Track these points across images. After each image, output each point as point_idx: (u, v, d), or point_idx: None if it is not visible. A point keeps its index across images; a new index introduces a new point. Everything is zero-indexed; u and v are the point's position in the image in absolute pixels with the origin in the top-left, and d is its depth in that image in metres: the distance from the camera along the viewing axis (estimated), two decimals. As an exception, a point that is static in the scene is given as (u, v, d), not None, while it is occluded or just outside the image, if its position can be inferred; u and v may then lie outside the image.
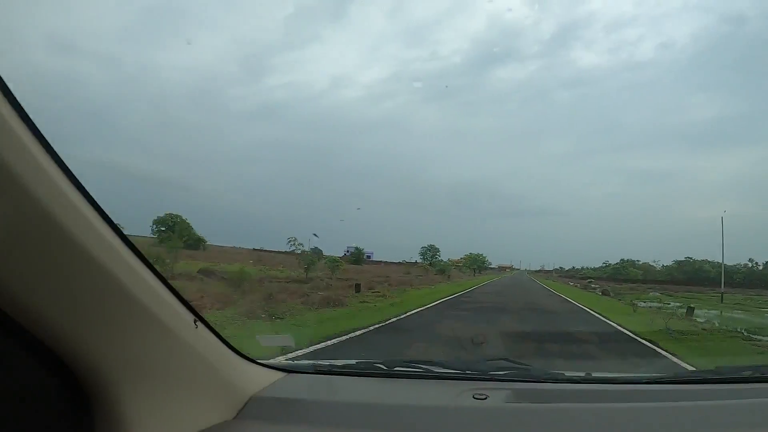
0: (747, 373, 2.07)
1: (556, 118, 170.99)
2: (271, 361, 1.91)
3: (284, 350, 3.76)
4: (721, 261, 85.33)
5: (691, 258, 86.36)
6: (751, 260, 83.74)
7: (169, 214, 38.10)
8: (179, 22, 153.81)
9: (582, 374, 2.07)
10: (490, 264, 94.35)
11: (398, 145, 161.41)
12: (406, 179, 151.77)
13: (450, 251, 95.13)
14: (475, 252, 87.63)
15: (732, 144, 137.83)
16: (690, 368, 6.75)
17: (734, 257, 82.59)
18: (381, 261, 63.53)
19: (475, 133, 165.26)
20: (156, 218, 37.64)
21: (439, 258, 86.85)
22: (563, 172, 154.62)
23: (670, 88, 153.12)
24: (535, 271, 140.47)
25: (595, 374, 2.16)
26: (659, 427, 1.50)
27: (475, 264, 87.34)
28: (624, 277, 73.07)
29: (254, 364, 1.71)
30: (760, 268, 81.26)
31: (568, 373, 2.07)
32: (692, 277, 76.40)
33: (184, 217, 38.25)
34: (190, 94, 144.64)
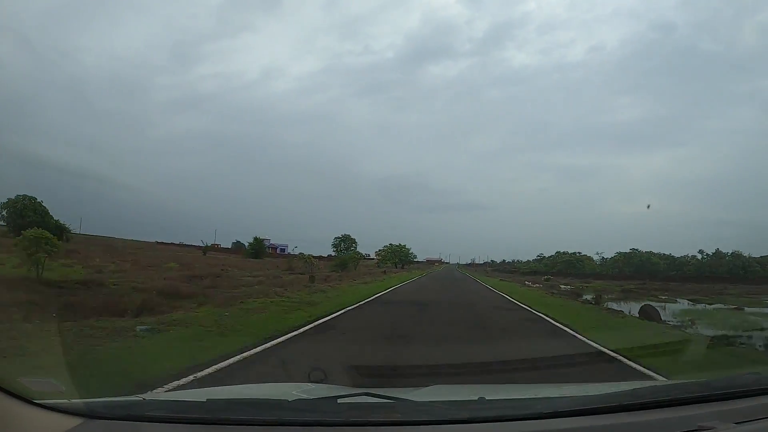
0: (672, 394, 1.82)
1: (486, 116, 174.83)
2: (63, 403, 1.51)
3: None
4: (668, 253, 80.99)
5: (636, 249, 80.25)
6: (701, 251, 78.95)
7: (22, 195, 33.81)
8: (107, 4, 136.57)
9: (474, 399, 1.85)
10: (415, 257, 78.54)
11: (329, 138, 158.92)
12: (335, 173, 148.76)
13: (379, 244, 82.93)
14: (396, 243, 70.44)
15: (655, 144, 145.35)
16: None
17: (659, 250, 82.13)
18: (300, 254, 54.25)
19: (405, 127, 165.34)
20: (5, 201, 33.68)
21: (355, 249, 72.33)
22: (492, 167, 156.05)
23: (599, 89, 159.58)
24: (466, 265, 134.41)
25: (490, 397, 1.93)
26: None
27: (397, 257, 70.25)
28: (578, 271, 63.46)
29: (35, 408, 1.42)
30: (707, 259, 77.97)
31: (455, 399, 1.97)
32: (639, 270, 70.41)
33: (38, 200, 34.15)
34: (115, 82, 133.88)
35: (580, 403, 1.75)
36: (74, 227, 40.14)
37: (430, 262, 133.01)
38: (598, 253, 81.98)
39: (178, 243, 69.66)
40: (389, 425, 1.54)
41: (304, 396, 2.01)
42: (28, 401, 1.39)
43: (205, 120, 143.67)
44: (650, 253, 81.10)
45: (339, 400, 1.71)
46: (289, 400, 1.81)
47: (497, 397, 2.10)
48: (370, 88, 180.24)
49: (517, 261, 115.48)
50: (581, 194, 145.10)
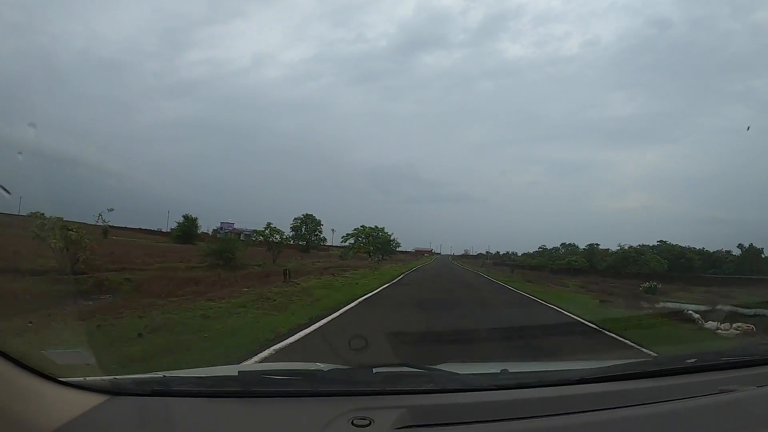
0: (690, 362, 1.88)
1: (477, 107, 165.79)
2: (88, 380, 1.44)
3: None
4: (698, 246, 67.31)
5: (665, 242, 67.14)
6: (740, 245, 65.91)
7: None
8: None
9: (496, 372, 1.84)
10: (399, 245, 61.79)
11: (320, 127, 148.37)
12: (325, 161, 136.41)
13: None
14: (371, 225, 53.05)
15: (647, 140, 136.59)
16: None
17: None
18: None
19: (396, 118, 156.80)
20: None
21: (319, 234, 57.16)
22: (485, 159, 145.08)
23: (592, 83, 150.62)
24: (460, 257, 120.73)
25: (512, 370, 1.93)
26: None
27: (372, 245, 52.84)
28: (637, 270, 47.80)
29: (60, 386, 1.34)
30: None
31: (479, 372, 1.92)
32: (673, 266, 58.02)
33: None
34: (105, 67, 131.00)
35: (605, 372, 1.77)
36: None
37: (419, 252, 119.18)
38: (620, 245, 69.10)
39: (157, 230, 65.51)
40: (423, 393, 1.52)
41: (340, 366, 1.89)
42: (51, 378, 1.31)
43: (194, 107, 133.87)
44: (679, 246, 68.47)
45: (375, 370, 1.65)
46: (324, 370, 1.76)
47: (520, 370, 2.10)
48: (362, 77, 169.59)
49: (513, 253, 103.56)
50: (575, 187, 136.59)
